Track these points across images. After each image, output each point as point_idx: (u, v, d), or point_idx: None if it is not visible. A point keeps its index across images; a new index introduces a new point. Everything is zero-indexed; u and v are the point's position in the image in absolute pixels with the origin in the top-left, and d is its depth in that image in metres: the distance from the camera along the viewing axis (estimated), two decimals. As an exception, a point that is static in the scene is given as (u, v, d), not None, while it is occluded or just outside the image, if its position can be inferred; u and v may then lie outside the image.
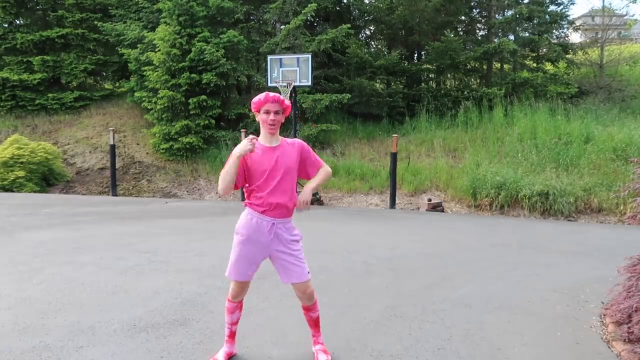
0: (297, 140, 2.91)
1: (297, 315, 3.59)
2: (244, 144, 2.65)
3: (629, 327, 3.24)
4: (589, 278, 4.89)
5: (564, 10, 15.86)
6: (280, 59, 10.65)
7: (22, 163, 11.46)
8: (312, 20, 15.82)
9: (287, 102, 2.82)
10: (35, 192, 11.45)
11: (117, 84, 17.57)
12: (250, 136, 2.70)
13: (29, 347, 3.12)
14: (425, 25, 14.91)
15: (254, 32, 14.71)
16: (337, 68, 15.05)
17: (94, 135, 14.41)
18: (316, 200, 10.54)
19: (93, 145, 13.98)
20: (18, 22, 16.17)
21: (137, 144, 14.02)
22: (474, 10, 17.01)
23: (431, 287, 4.54)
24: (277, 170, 2.73)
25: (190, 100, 12.84)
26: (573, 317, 3.85)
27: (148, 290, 4.24)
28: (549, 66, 16.38)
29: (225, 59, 12.91)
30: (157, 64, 12.92)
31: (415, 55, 17.10)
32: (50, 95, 15.08)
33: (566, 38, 17.17)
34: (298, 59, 10.49)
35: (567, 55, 15.87)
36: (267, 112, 2.73)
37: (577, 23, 18.29)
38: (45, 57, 15.04)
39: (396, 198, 10.22)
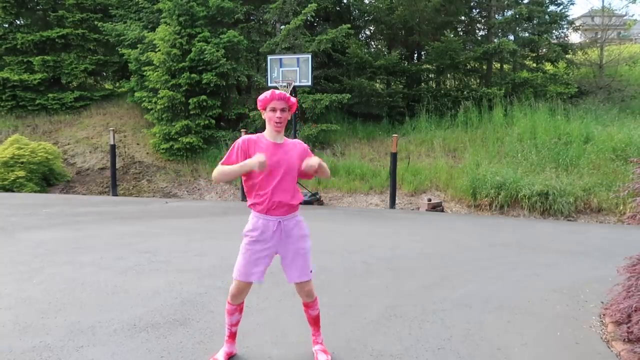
0: (299, 141, 2.94)
1: (297, 315, 3.60)
2: (261, 162, 2.59)
3: (628, 327, 3.24)
4: (588, 278, 4.89)
5: (563, 11, 15.89)
6: (280, 59, 10.66)
7: (22, 163, 11.47)
8: (312, 20, 15.83)
9: (293, 99, 2.83)
10: (35, 192, 11.45)
11: (117, 84, 17.58)
12: (263, 157, 2.63)
13: (29, 346, 3.12)
14: (425, 25, 14.92)
15: (254, 32, 14.71)
16: (337, 68, 15.06)
17: (94, 135, 14.41)
18: (316, 200, 10.55)
19: (93, 145, 13.99)
20: (18, 22, 16.19)
21: (137, 144, 14.03)
22: (473, 10, 17.02)
23: (431, 287, 4.54)
24: (279, 167, 2.74)
25: (190, 100, 12.86)
26: (573, 317, 3.85)
27: (148, 290, 4.25)
28: (548, 66, 16.40)
29: (225, 59, 12.92)
30: (157, 64, 12.93)
31: (415, 55, 17.11)
32: (50, 95, 15.09)
33: (566, 38, 17.19)
34: (298, 59, 10.50)
35: (566, 56, 15.89)
36: (274, 110, 2.73)
37: (577, 23, 18.30)
38: (45, 57, 15.05)
39: (396, 198, 10.23)
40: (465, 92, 14.81)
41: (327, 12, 15.47)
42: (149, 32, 13.93)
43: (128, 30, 14.33)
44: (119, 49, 14.60)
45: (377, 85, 15.96)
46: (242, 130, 12.03)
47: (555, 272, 5.17)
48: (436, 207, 9.81)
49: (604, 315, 3.77)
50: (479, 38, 16.63)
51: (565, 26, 16.45)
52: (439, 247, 6.23)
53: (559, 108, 12.92)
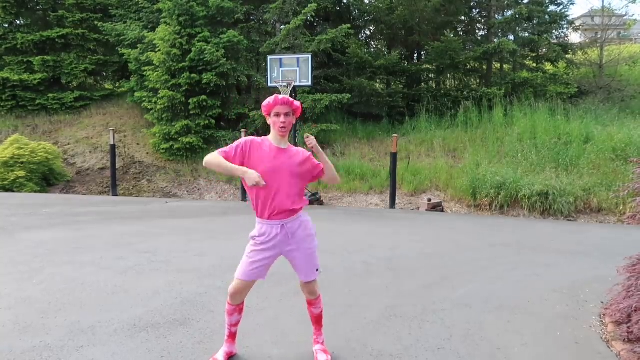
0: (303, 150, 2.91)
1: (297, 315, 3.60)
2: (257, 183, 2.59)
3: (628, 327, 3.25)
4: (588, 278, 4.89)
5: (563, 11, 15.90)
6: (280, 59, 10.65)
7: (22, 163, 11.47)
8: (312, 20, 15.83)
9: (297, 103, 2.82)
10: (35, 192, 11.45)
11: (118, 84, 17.58)
12: (259, 178, 2.62)
13: (29, 346, 3.12)
14: (425, 25, 14.92)
15: (254, 32, 14.71)
16: (337, 68, 15.06)
17: (94, 135, 14.41)
18: (316, 200, 10.55)
19: (93, 145, 13.99)
20: (18, 22, 16.18)
21: (137, 144, 14.02)
22: (473, 10, 17.03)
23: (431, 287, 4.54)
24: (281, 171, 2.73)
25: (190, 100, 12.86)
26: (573, 316, 3.86)
27: (148, 290, 4.25)
28: (548, 66, 16.40)
29: (225, 59, 12.92)
30: (157, 64, 12.93)
31: (415, 55, 17.11)
32: (50, 95, 15.09)
33: (566, 38, 17.19)
34: (298, 59, 10.49)
35: (566, 56, 15.89)
36: (278, 115, 2.73)
37: (577, 23, 18.31)
38: (45, 57, 15.05)
39: (396, 198, 10.23)
40: (465, 92, 14.82)
41: (327, 12, 15.47)
42: (149, 32, 13.93)
43: (128, 30, 14.33)
44: (119, 49, 14.60)
45: (377, 85, 15.96)
46: (242, 130, 12.03)
47: (555, 272, 5.17)
48: (436, 207, 9.81)
49: (604, 315, 3.78)
50: (479, 38, 16.63)
51: (565, 26, 16.46)
52: (439, 247, 6.23)
53: (559, 108, 12.92)
